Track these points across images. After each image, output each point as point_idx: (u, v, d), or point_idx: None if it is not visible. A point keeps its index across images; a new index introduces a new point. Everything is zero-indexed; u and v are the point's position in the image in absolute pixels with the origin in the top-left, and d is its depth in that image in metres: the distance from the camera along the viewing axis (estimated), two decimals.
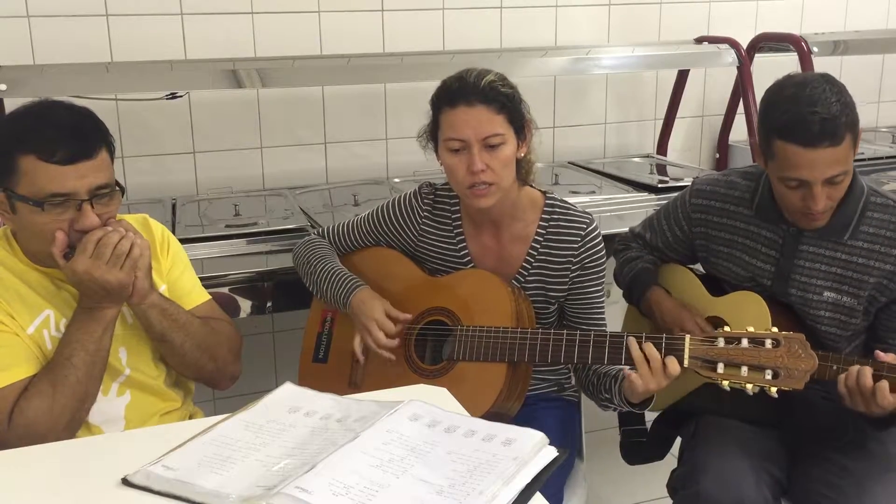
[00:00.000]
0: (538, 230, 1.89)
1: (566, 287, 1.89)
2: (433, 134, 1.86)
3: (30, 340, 1.60)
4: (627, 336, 1.69)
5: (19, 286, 1.62)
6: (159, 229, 1.81)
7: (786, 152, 1.68)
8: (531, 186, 1.92)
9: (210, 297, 1.87)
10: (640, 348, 1.65)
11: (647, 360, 1.64)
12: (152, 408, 1.73)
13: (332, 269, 1.96)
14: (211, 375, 1.79)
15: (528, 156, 1.86)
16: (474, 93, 1.76)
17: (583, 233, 1.87)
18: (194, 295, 1.82)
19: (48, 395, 1.55)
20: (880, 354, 1.65)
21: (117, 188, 1.61)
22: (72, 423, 1.58)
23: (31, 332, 1.60)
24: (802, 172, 1.67)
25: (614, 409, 1.83)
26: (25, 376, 1.56)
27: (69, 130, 1.54)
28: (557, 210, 1.89)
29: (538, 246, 1.89)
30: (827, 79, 1.70)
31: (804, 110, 1.64)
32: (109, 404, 1.67)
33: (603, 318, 1.92)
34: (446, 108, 1.79)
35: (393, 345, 1.86)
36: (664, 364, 1.63)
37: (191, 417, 1.81)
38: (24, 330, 1.60)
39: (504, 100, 1.77)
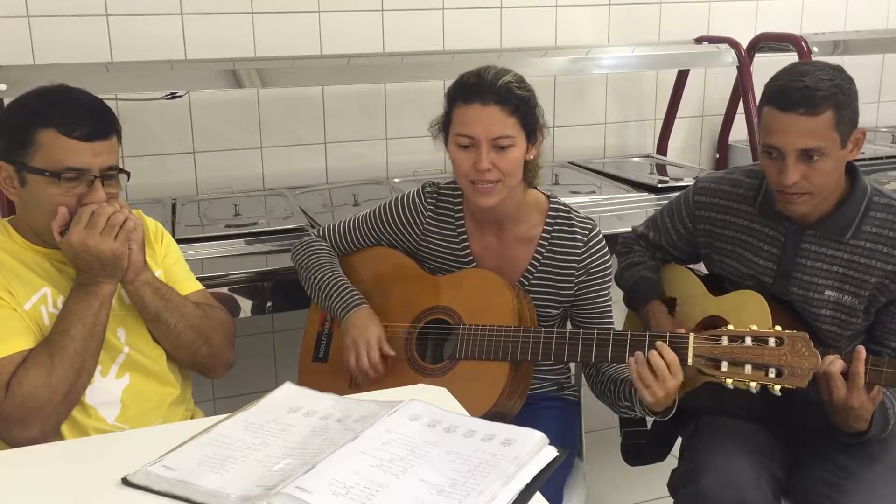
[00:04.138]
0: (543, 233, 1.89)
1: (573, 292, 1.89)
2: (445, 126, 1.85)
3: (27, 316, 1.62)
4: (631, 340, 1.68)
5: (17, 266, 1.65)
6: (153, 223, 1.86)
7: (766, 117, 1.72)
8: (536, 189, 1.92)
9: (204, 287, 1.89)
10: (641, 377, 1.64)
11: (653, 371, 1.63)
12: (151, 392, 1.73)
13: (333, 279, 1.95)
14: (206, 360, 1.80)
15: (537, 159, 1.86)
16: (490, 92, 1.76)
17: (586, 237, 1.87)
18: (188, 283, 1.85)
19: (46, 365, 1.57)
20: (861, 352, 1.65)
21: (121, 172, 1.68)
22: (69, 396, 1.60)
23: (29, 308, 1.63)
24: (776, 138, 1.70)
25: (636, 417, 1.82)
26: (23, 348, 1.59)
27: (89, 111, 1.63)
28: (561, 215, 1.90)
29: (543, 250, 1.89)
30: (834, 66, 1.73)
31: (792, 78, 1.70)
32: (108, 385, 1.69)
33: (611, 320, 1.92)
34: (460, 104, 1.79)
35: (370, 373, 1.85)
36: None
37: (191, 417, 1.81)
38: (22, 306, 1.62)
39: (518, 102, 1.77)
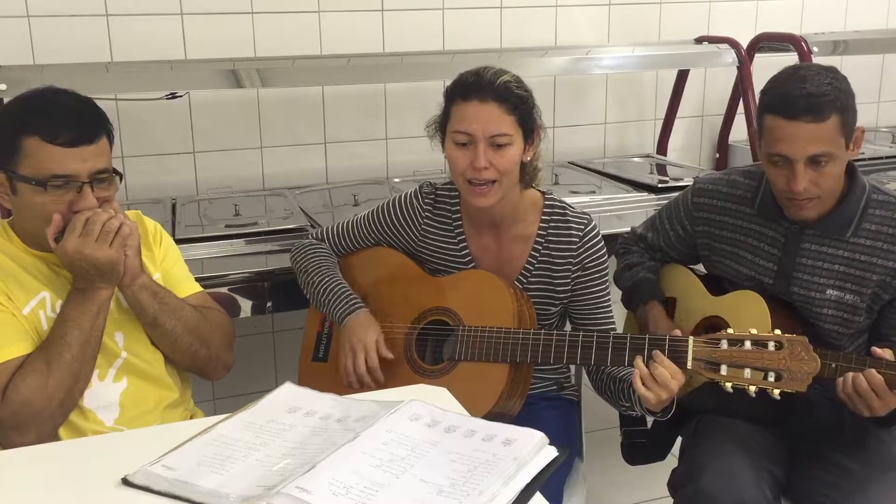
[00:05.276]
0: (539, 231, 1.89)
1: (569, 288, 1.89)
2: (442, 125, 1.85)
3: (25, 321, 1.62)
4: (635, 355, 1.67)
5: (16, 270, 1.64)
6: (152, 224, 1.85)
7: (771, 126, 1.71)
8: (532, 187, 1.92)
9: (202, 289, 1.89)
10: (643, 380, 1.63)
11: (655, 380, 1.62)
12: (149, 396, 1.73)
13: (332, 283, 1.95)
14: (204, 363, 1.80)
15: (535, 161, 1.86)
16: (489, 90, 1.76)
17: (581, 233, 1.87)
18: (187, 285, 1.84)
19: (43, 372, 1.56)
20: (877, 351, 1.66)
21: (115, 174, 1.66)
22: (66, 402, 1.59)
23: (27, 312, 1.62)
24: (784, 147, 1.69)
25: (636, 415, 1.83)
26: (21, 354, 1.58)
27: (73, 115, 1.60)
28: (556, 211, 1.90)
29: (540, 247, 1.89)
30: (828, 68, 1.73)
31: (793, 86, 1.69)
32: (106, 389, 1.68)
33: (611, 318, 1.92)
34: (459, 101, 1.79)
35: (367, 380, 1.84)
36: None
37: (191, 417, 1.81)
38: (20, 310, 1.62)
39: (517, 101, 1.77)
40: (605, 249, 1.90)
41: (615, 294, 2.00)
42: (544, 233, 1.89)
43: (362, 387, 1.85)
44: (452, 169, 1.83)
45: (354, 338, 1.87)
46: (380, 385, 1.84)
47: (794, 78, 1.71)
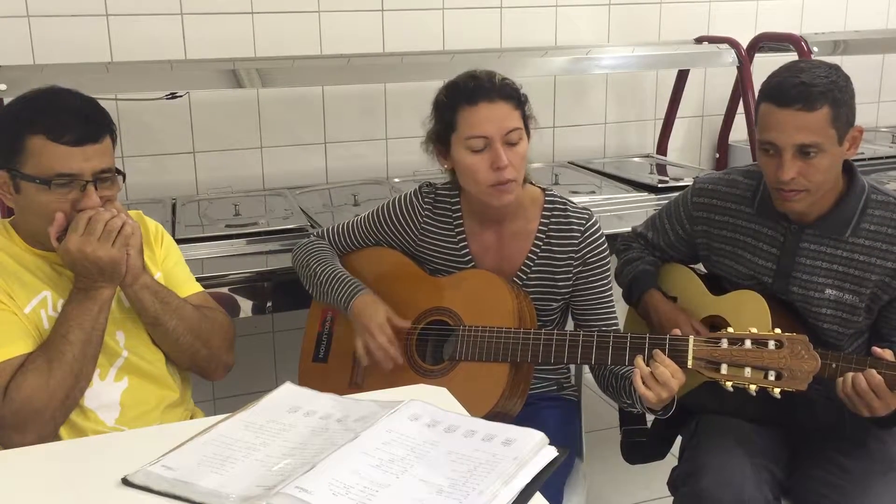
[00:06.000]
0: (540, 227, 1.89)
1: (570, 284, 1.89)
2: (441, 136, 1.85)
3: (26, 319, 1.62)
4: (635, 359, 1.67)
5: (18, 269, 1.65)
6: (153, 224, 1.85)
7: (764, 113, 1.73)
8: (531, 183, 1.92)
9: (203, 289, 1.89)
10: (643, 379, 1.63)
11: (655, 379, 1.62)
12: (150, 395, 1.73)
13: (334, 271, 1.95)
14: (205, 363, 1.80)
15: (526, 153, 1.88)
16: (492, 89, 1.77)
17: (582, 228, 1.87)
18: (188, 285, 1.85)
19: (44, 371, 1.56)
20: (877, 351, 1.66)
21: (118, 174, 1.67)
22: (67, 401, 1.59)
23: (28, 311, 1.62)
24: (773, 134, 1.71)
25: (638, 412, 1.83)
26: (22, 353, 1.58)
27: (78, 114, 1.61)
28: (557, 207, 1.90)
29: (540, 243, 1.89)
30: (831, 64, 1.74)
31: (789, 75, 1.71)
32: (106, 388, 1.68)
33: (613, 313, 1.92)
34: (465, 107, 1.78)
35: (392, 350, 1.84)
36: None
37: (191, 417, 1.81)
38: (22, 309, 1.62)
39: (518, 97, 1.81)
40: (606, 244, 1.90)
41: (617, 291, 2.00)
42: (545, 228, 1.89)
43: (384, 363, 1.84)
44: (472, 177, 1.81)
45: (365, 318, 1.85)
46: (397, 361, 1.84)
47: (792, 69, 1.73)
